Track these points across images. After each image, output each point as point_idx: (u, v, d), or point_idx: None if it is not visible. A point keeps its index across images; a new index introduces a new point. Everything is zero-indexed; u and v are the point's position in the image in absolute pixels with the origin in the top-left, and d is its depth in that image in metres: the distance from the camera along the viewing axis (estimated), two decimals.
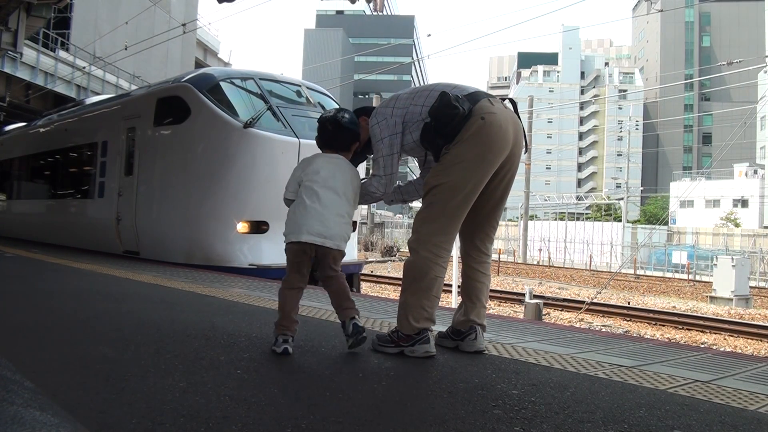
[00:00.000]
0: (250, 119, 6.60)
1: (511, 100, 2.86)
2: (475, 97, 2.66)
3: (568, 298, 13.54)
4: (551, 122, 79.82)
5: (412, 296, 2.63)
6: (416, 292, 2.61)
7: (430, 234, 2.63)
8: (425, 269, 2.60)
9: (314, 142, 2.92)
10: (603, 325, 10.49)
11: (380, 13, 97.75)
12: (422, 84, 3.15)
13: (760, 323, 10.97)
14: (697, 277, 23.83)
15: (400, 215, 51.74)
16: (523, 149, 2.79)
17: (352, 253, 7.92)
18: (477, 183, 2.62)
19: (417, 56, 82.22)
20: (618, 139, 66.34)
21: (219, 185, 6.87)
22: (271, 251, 6.53)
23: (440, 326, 2.95)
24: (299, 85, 7.96)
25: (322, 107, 7.66)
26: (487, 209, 2.82)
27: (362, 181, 2.88)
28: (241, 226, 6.71)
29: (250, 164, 6.68)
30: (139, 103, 8.36)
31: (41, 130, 11.94)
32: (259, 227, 6.70)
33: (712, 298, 16.21)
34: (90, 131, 9.65)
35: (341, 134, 2.78)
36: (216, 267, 6.66)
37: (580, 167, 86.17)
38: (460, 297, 2.94)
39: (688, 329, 10.35)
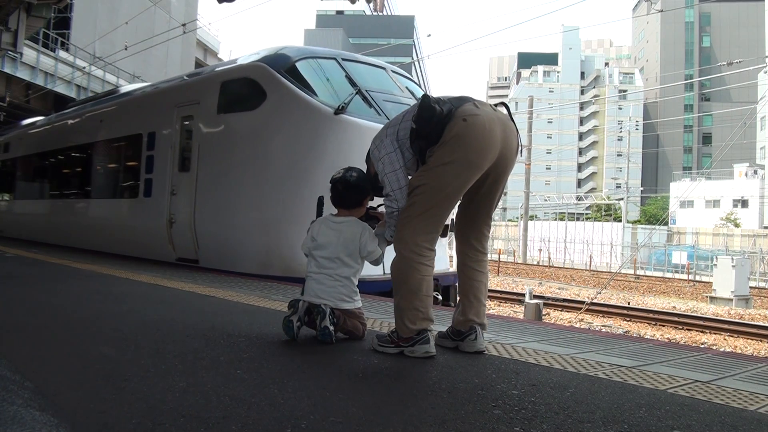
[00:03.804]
0: (342, 104, 5.74)
1: (504, 104, 2.85)
2: (459, 101, 2.67)
3: (568, 298, 13.54)
4: (551, 122, 79.88)
5: (402, 299, 2.63)
6: (406, 294, 2.62)
7: (412, 234, 2.63)
8: (409, 270, 2.60)
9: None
10: (603, 326, 10.49)
11: (380, 13, 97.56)
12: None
13: (760, 323, 10.99)
14: (697, 278, 23.85)
15: None
16: (517, 152, 2.77)
17: (445, 262, 6.89)
18: (460, 185, 2.61)
19: (417, 56, 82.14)
20: (618, 140, 66.35)
21: (303, 182, 5.84)
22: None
23: (440, 326, 2.95)
24: (384, 68, 7.01)
25: (411, 93, 6.90)
26: (481, 210, 2.83)
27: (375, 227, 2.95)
28: None
29: (342, 157, 5.69)
30: (198, 88, 7.37)
31: (69, 122, 10.70)
32: None
33: (712, 298, 16.22)
34: (132, 122, 8.56)
35: (351, 193, 2.94)
36: (298, 279, 5.70)
37: (580, 167, 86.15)
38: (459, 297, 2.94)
39: (688, 329, 10.36)
